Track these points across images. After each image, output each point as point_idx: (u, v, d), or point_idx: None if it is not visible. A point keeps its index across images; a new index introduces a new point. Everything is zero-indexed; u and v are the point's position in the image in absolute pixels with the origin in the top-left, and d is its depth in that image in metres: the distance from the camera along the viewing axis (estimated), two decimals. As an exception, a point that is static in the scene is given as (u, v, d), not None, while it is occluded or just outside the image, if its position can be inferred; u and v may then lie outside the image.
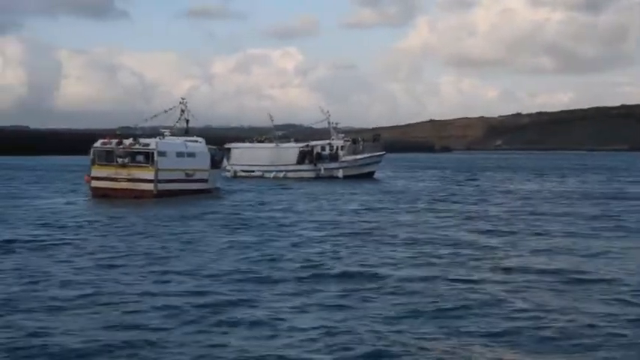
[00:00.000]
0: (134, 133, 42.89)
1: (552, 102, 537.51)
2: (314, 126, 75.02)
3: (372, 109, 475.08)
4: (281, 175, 64.02)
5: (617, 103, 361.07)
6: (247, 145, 68.23)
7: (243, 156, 65.35)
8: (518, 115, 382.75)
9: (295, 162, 65.21)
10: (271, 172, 64.18)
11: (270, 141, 67.23)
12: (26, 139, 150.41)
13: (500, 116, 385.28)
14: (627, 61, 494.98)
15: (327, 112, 70.21)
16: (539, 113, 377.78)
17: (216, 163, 45.45)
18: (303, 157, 65.53)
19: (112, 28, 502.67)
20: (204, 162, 43.13)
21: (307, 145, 66.75)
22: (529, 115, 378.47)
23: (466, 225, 28.19)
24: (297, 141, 68.71)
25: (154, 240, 22.91)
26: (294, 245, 22.03)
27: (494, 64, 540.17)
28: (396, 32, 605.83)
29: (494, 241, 23.19)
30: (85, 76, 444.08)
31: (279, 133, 69.93)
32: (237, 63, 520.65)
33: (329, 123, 69.36)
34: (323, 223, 28.35)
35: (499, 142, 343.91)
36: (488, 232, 25.97)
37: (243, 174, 64.01)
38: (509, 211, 34.09)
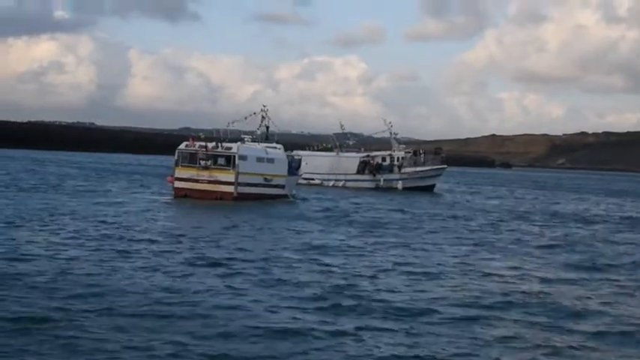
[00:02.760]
0: (212, 137, 43.89)
1: (620, 122, 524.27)
2: (374, 135, 74.58)
3: (432, 121, 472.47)
4: (340, 184, 63.84)
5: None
6: (308, 152, 68.20)
7: (304, 163, 65.31)
8: (583, 133, 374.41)
9: (355, 171, 64.98)
10: (330, 180, 64.05)
11: (341, 149, 67.23)
12: (92, 135, 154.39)
13: (565, 134, 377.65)
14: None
15: (390, 122, 69.69)
16: (605, 133, 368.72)
17: (293, 170, 46.32)
18: (364, 167, 65.24)
19: (183, 29, 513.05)
20: (283, 168, 44.16)
21: (368, 155, 66.44)
22: (594, 135, 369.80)
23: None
24: (366, 151, 68.29)
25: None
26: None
27: (561, 81, 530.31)
28: (461, 45, 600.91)
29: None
30: (152, 76, 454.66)
31: (351, 142, 69.71)
32: (302, 69, 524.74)
33: (390, 134, 68.79)
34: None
35: (562, 161, 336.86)
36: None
37: (303, 181, 63.98)
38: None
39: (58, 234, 23.05)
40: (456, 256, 23.20)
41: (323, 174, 64.21)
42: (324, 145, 69.59)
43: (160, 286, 15.63)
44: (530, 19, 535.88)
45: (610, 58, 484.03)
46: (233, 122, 45.99)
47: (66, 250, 19.73)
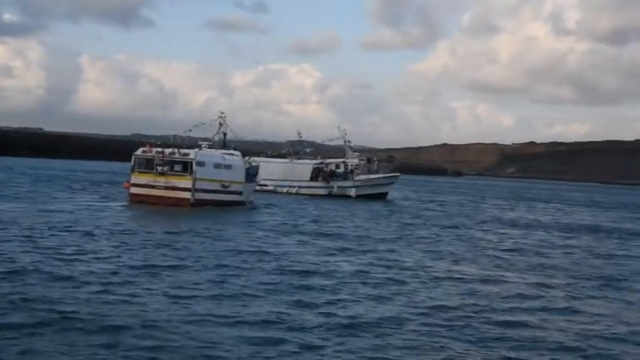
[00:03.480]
0: (169, 143, 43.76)
1: (568, 133, 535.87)
2: (328, 143, 74.76)
3: (386, 129, 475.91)
4: (293, 190, 63.86)
5: (632, 138, 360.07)
6: (261, 159, 68.03)
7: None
8: (532, 143, 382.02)
9: (309, 178, 65.09)
10: (284, 187, 64.06)
11: (298, 157, 67.40)
12: (41, 141, 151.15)
13: (514, 144, 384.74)
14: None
15: (344, 130, 69.93)
16: (554, 143, 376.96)
17: (250, 177, 46.29)
18: (317, 173, 65.39)
19: (136, 35, 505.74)
20: (240, 175, 44.12)
21: (321, 163, 66.65)
22: (543, 144, 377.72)
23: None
24: (323, 159, 68.45)
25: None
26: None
27: (512, 91, 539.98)
28: (415, 54, 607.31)
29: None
30: (103, 82, 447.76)
31: (308, 149, 69.96)
32: (256, 76, 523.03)
33: (345, 141, 69.03)
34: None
35: (511, 170, 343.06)
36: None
37: (257, 187, 63.81)
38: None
39: (10, 241, 22.37)
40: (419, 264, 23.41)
41: (276, 180, 64.17)
42: (279, 152, 69.63)
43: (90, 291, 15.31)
44: (483, 30, 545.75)
45: (559, 70, 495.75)
46: (191, 129, 46.00)
47: (12, 262, 19.07)
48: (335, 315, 14.58)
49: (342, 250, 25.92)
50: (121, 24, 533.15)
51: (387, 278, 19.81)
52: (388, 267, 22.07)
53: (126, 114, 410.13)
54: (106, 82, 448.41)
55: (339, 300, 16.28)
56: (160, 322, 13.01)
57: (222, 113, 47.31)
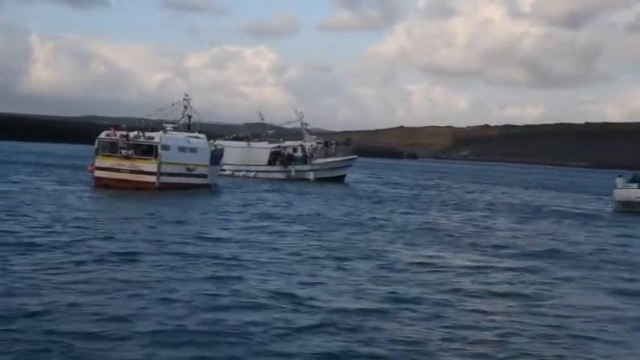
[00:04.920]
0: (134, 126, 43.62)
1: (522, 116, 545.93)
2: (285, 126, 74.76)
3: (343, 112, 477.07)
4: (251, 174, 63.75)
5: (582, 121, 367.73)
6: (219, 142, 67.68)
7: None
8: (486, 126, 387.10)
9: (266, 162, 65.06)
10: (241, 171, 63.87)
11: (259, 140, 67.40)
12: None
13: (469, 127, 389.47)
14: (597, 79, 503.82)
15: (301, 113, 69.95)
16: (507, 126, 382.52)
17: (215, 160, 46.40)
18: (275, 157, 65.38)
19: (90, 15, 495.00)
20: (205, 158, 44.25)
21: (279, 146, 66.61)
22: (497, 127, 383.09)
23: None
24: (284, 141, 68.40)
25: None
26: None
27: (467, 74, 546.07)
28: (373, 37, 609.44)
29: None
30: (54, 62, 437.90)
31: (270, 131, 69.98)
32: (212, 58, 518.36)
33: (302, 124, 69.09)
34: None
35: (466, 153, 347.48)
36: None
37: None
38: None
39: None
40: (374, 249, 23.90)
41: (234, 164, 63.92)
42: (237, 135, 69.33)
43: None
44: (440, 12, 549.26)
45: (514, 53, 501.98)
46: (158, 110, 46.03)
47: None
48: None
49: (284, 230, 26.23)
50: (74, 3, 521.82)
51: (337, 257, 20.24)
52: (339, 249, 22.48)
53: (78, 95, 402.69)
54: (58, 62, 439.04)
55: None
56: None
57: (186, 96, 47.31)
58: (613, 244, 29.08)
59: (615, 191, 49.54)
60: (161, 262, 17.98)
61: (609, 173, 52.51)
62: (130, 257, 18.36)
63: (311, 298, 14.89)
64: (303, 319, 13.13)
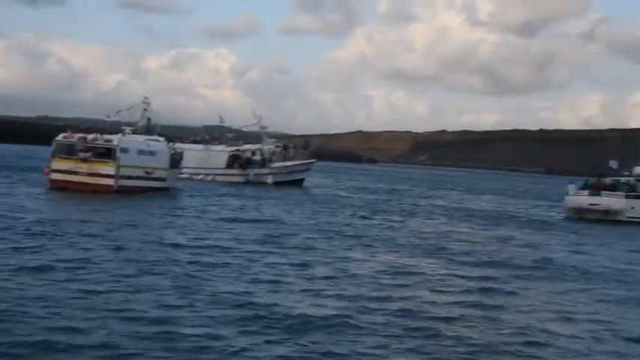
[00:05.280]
0: (91, 128, 43.38)
1: (478, 122, 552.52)
2: (244, 129, 74.65)
3: (302, 115, 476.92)
4: (209, 178, 63.45)
5: (537, 127, 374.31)
6: (177, 145, 67.28)
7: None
8: (444, 132, 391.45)
9: (225, 166, 64.85)
10: (200, 174, 63.49)
11: (219, 143, 67.24)
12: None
13: (427, 132, 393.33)
14: (551, 87, 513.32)
15: (260, 116, 69.93)
16: (464, 132, 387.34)
17: (175, 163, 46.19)
18: (233, 161, 65.21)
19: (44, 14, 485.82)
20: (164, 161, 43.99)
21: (238, 150, 66.47)
22: (454, 133, 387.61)
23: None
24: (245, 145, 68.23)
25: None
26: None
27: (426, 80, 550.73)
28: (333, 41, 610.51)
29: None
30: (6, 61, 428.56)
31: (230, 135, 69.81)
32: (171, 60, 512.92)
33: (260, 127, 69.11)
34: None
35: (424, 158, 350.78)
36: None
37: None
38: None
39: None
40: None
41: (192, 168, 63.54)
42: (198, 137, 68.97)
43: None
44: (400, 18, 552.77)
45: (471, 60, 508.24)
46: (117, 112, 45.74)
47: None
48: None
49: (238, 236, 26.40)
50: (27, 1, 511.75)
51: (294, 264, 20.48)
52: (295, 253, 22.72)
53: (31, 95, 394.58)
54: (10, 61, 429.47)
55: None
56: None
57: (146, 98, 47.36)
58: (561, 250, 29.87)
59: (567, 198, 50.68)
60: (117, 269, 17.84)
61: (563, 179, 53.66)
62: (84, 263, 18.09)
63: (273, 304, 15.07)
64: (265, 328, 13.28)
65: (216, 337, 12.31)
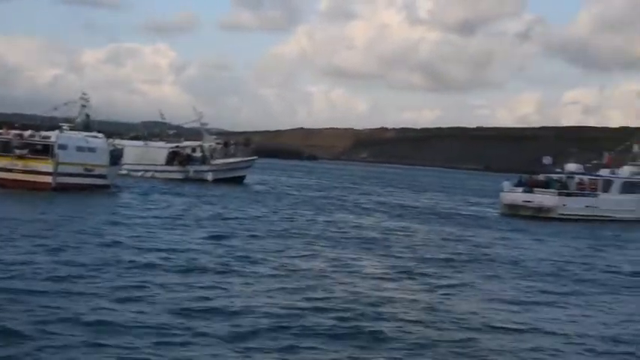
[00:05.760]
0: (28, 124, 42.53)
1: (418, 119, 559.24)
2: (184, 125, 74.09)
3: (243, 112, 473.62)
4: (148, 174, 62.80)
5: (475, 125, 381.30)
6: (115, 141, 66.25)
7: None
8: (384, 129, 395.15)
9: (164, 162, 64.23)
10: (139, 171, 62.70)
11: (161, 139, 66.65)
12: None
13: (368, 129, 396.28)
14: (488, 85, 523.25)
15: (200, 112, 69.41)
16: (404, 129, 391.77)
17: (115, 160, 45.67)
18: (173, 157, 64.63)
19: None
20: (104, 158, 43.48)
21: (177, 146, 65.89)
22: (394, 130, 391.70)
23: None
24: (187, 141, 67.59)
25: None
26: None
27: (367, 77, 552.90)
28: (273, 38, 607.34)
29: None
30: None
31: (171, 131, 69.19)
32: (108, 54, 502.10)
33: (201, 124, 68.65)
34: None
35: (365, 155, 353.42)
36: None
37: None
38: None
39: None
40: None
41: (131, 164, 62.68)
42: (136, 134, 68.08)
43: None
44: (340, 15, 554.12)
45: (411, 58, 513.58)
46: (54, 109, 44.99)
47: None
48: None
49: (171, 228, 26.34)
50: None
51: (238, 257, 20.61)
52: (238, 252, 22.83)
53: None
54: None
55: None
56: None
57: (84, 94, 46.73)
58: (492, 245, 30.72)
59: (502, 194, 51.86)
60: (55, 271, 17.44)
61: (500, 176, 54.95)
62: (22, 266, 17.56)
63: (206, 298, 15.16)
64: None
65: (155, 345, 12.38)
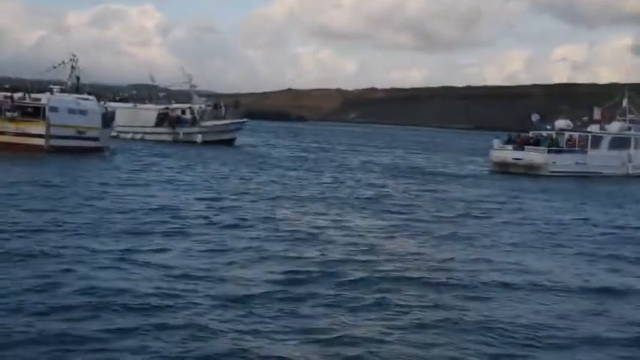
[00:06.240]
0: (18, 87, 42.14)
1: (407, 79, 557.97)
2: (172, 88, 73.63)
3: (231, 74, 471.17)
4: (138, 136, 62.68)
5: (464, 84, 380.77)
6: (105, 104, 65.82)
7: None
8: (373, 89, 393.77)
9: (154, 124, 64.03)
10: (128, 133, 62.48)
11: (150, 102, 66.46)
12: None
13: (356, 89, 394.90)
14: (477, 44, 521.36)
15: (189, 74, 68.99)
16: (393, 89, 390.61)
17: (107, 122, 45.33)
18: (162, 119, 64.41)
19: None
20: (96, 120, 43.16)
21: (167, 108, 65.61)
22: (383, 90, 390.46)
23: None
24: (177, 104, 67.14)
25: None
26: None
27: (354, 37, 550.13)
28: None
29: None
30: None
31: (162, 94, 68.91)
32: (94, 16, 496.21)
33: (190, 86, 68.26)
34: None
35: (353, 115, 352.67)
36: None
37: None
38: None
39: None
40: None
41: (120, 126, 62.31)
42: (121, 96, 67.71)
43: None
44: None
45: (399, 17, 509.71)
46: (45, 71, 44.72)
47: None
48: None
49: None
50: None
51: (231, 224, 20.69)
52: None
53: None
54: None
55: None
56: None
57: (74, 56, 46.63)
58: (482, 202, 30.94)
59: (491, 152, 51.88)
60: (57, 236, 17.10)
61: (491, 135, 55.00)
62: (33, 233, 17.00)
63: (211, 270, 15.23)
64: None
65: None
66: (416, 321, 11.52)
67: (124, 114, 62.82)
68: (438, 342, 10.54)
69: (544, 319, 12.05)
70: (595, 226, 24.79)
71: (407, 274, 15.00)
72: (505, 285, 14.48)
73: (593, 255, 18.76)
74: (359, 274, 14.53)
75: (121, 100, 65.97)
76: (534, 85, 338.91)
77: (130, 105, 64.91)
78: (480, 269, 15.89)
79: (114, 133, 60.89)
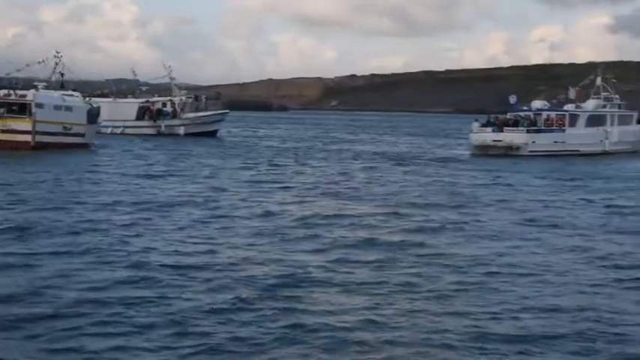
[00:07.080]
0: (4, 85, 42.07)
1: (387, 65, 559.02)
2: (152, 81, 73.46)
3: (210, 65, 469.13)
4: (119, 130, 62.58)
5: (444, 68, 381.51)
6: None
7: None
8: (353, 76, 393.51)
9: (135, 117, 64.01)
10: (108, 127, 62.23)
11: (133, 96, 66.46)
12: None
13: (336, 77, 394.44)
14: (457, 27, 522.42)
15: (169, 67, 68.95)
16: (373, 75, 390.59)
17: (92, 118, 45.31)
18: (143, 112, 64.38)
19: None
20: (82, 116, 43.25)
21: (147, 101, 65.55)
22: (363, 77, 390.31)
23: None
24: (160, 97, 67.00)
25: None
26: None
27: (334, 24, 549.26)
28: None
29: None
30: None
31: (144, 88, 68.84)
32: (68, 11, 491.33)
33: (171, 79, 68.23)
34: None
35: (334, 103, 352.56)
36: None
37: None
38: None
39: None
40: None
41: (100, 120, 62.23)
42: (101, 91, 67.55)
43: None
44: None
45: (378, 2, 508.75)
46: (26, 66, 44.87)
47: None
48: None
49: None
50: None
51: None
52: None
53: None
54: None
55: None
56: None
57: (57, 52, 46.98)
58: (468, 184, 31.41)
59: (471, 135, 52.16)
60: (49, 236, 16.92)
61: (472, 118, 55.23)
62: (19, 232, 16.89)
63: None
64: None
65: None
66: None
67: (104, 108, 62.52)
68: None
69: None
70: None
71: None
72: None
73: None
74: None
75: (101, 96, 65.72)
76: (513, 67, 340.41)
77: (110, 99, 64.73)
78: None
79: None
